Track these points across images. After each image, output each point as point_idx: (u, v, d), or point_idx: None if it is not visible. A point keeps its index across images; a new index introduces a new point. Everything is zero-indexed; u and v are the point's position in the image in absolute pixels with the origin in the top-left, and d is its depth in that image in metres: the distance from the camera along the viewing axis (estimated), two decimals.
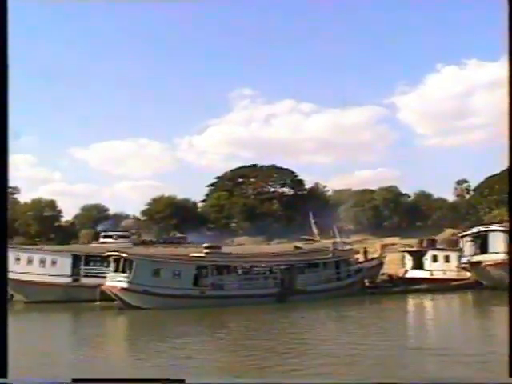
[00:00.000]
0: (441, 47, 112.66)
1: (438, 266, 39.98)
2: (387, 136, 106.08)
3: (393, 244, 55.03)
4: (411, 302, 35.60)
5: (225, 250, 37.97)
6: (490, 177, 77.61)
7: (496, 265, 35.20)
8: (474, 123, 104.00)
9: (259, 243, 64.87)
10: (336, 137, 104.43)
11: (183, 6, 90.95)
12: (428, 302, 35.36)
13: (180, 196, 79.09)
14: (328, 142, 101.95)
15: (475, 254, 36.78)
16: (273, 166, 79.87)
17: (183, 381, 4.33)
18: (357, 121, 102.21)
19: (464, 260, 37.46)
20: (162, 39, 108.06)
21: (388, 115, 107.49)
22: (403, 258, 42.65)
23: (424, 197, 77.96)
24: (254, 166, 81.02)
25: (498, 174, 77.38)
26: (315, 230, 42.01)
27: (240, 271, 36.30)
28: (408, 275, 40.52)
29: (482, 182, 78.74)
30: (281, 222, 74.39)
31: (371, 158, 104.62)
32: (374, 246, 55.59)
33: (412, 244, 45.44)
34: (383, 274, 42.39)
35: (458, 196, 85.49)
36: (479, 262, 36.12)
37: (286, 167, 79.51)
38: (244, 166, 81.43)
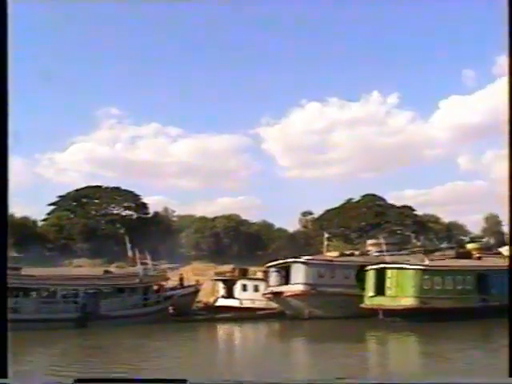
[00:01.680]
0: (305, 84, 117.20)
1: (247, 295, 40.64)
2: (251, 165, 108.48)
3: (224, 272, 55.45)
4: (216, 331, 35.81)
5: (27, 271, 36.55)
6: (330, 210, 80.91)
7: (295, 295, 36.46)
8: (333, 158, 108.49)
9: (98, 265, 63.48)
10: (201, 162, 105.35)
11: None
12: (231, 331, 35.80)
13: (20, 214, 75.84)
14: (193, 166, 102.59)
15: (278, 285, 37.81)
16: (117, 188, 78.58)
17: (185, 381, 4.25)
18: (223, 148, 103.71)
19: (268, 290, 38.42)
20: (27, 49, 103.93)
21: (253, 145, 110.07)
22: (215, 286, 43.06)
23: (266, 226, 79.75)
24: (99, 186, 79.38)
25: (337, 208, 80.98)
26: (131, 255, 41.59)
27: (44, 294, 35.18)
28: (218, 303, 40.89)
29: (323, 214, 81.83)
30: (122, 245, 73.17)
31: (234, 186, 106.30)
32: (208, 273, 55.86)
33: (226, 271, 45.95)
34: (199, 301, 42.65)
35: (303, 227, 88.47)
36: (281, 293, 37.13)
37: (130, 189, 78.51)
38: (88, 187, 79.51)
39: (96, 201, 79.48)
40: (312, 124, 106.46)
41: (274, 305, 39.07)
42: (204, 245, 74.71)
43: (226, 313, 38.75)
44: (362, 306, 33.45)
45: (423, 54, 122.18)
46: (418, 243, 77.03)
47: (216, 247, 74.50)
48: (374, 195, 79.40)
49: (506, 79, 6.42)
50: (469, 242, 47.86)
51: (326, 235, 43.98)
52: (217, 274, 45.29)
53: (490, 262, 36.43)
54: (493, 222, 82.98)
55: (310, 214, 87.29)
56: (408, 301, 32.14)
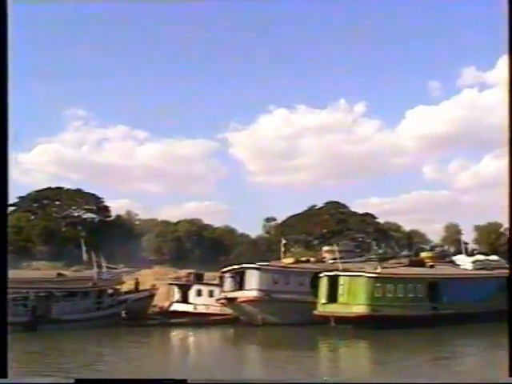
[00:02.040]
0: (273, 90, 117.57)
1: (201, 300, 40.35)
2: (219, 170, 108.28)
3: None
4: (166, 336, 35.39)
5: None
6: (293, 216, 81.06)
7: (249, 301, 36.34)
8: (300, 164, 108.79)
9: (58, 269, 62.57)
10: (168, 166, 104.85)
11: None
12: (180, 337, 35.55)
13: None
14: (160, 171, 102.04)
15: (232, 290, 37.63)
16: (79, 191, 77.67)
17: (185, 380, 4.38)
18: (190, 152, 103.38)
19: (222, 295, 38.23)
20: None
21: (220, 150, 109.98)
22: (170, 290, 42.69)
23: (228, 231, 79.57)
24: (60, 188, 78.37)
25: (299, 214, 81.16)
26: (86, 258, 41.20)
27: None
28: (172, 308, 40.54)
29: (285, 220, 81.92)
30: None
31: (201, 191, 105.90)
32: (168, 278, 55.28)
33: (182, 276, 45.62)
34: (155, 306, 42.25)
35: (267, 233, 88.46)
36: (234, 298, 36.96)
37: (92, 192, 77.72)
38: (49, 188, 78.47)
39: (57, 203, 78.45)
40: (280, 130, 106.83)
41: (228, 310, 38.86)
42: (165, 249, 74.22)
43: (179, 318, 38.48)
44: (315, 312, 33.46)
45: (390, 64, 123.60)
46: (380, 251, 77.65)
47: (178, 252, 74.04)
48: (336, 202, 79.81)
49: (505, 79, 6.48)
50: (426, 251, 48.30)
51: (284, 241, 43.88)
52: (172, 278, 44.91)
53: (442, 270, 36.85)
54: (453, 230, 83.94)
55: (274, 219, 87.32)
56: (359, 308, 32.23)
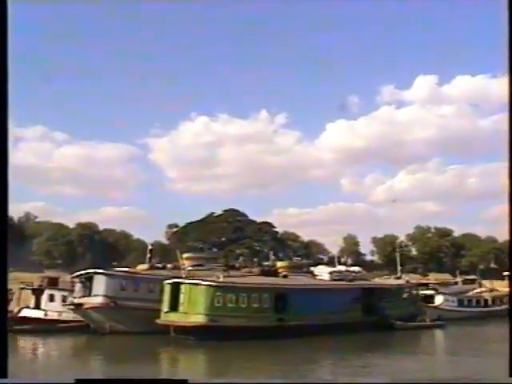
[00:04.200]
0: (196, 97, 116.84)
1: (54, 306, 38.74)
2: (138, 175, 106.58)
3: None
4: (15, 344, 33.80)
5: None
6: (191, 223, 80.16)
7: (94, 308, 35.05)
8: (220, 173, 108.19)
9: None
10: (87, 170, 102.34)
11: None
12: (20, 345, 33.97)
13: None
14: (78, 174, 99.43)
15: (81, 296, 36.26)
16: None
17: (186, 381, 4.39)
18: (110, 156, 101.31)
19: (69, 301, 36.78)
20: None
21: (141, 155, 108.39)
22: (22, 295, 40.69)
23: (124, 236, 78.05)
24: None
25: (198, 221, 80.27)
26: None
27: None
28: (22, 314, 38.72)
29: (183, 227, 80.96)
30: None
31: (120, 195, 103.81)
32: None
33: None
34: (11, 311, 40.34)
35: (168, 239, 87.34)
36: (82, 304, 35.61)
37: None
38: None
39: None
40: (200, 138, 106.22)
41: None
42: (56, 253, 72.10)
43: (29, 324, 36.77)
44: (158, 321, 32.39)
45: (311, 77, 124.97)
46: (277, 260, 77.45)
47: (69, 255, 72.05)
48: (235, 210, 79.34)
49: (505, 79, 6.82)
50: (282, 260, 47.77)
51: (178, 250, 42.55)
52: (26, 283, 42.86)
53: (294, 280, 36.39)
54: (351, 242, 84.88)
55: (176, 226, 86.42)
56: (198, 318, 31.20)
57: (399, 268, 49.38)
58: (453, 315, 44.83)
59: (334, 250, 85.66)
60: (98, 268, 37.53)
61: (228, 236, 76.83)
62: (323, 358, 28.14)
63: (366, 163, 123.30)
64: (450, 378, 14.29)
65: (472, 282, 68.34)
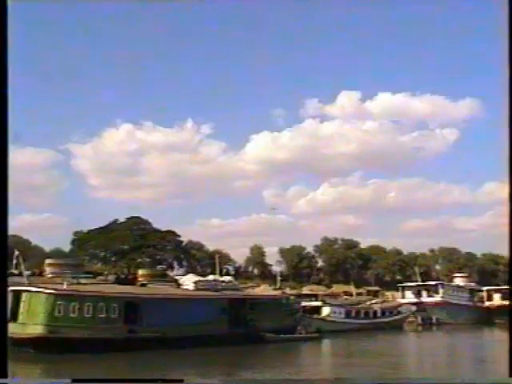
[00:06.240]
0: (121, 104, 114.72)
1: None
2: (60, 182, 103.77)
3: None
4: None
5: None
6: (92, 230, 78.08)
7: None
8: (143, 181, 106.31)
9: None
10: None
11: None
12: None
13: None
14: None
15: None
16: None
17: (182, 381, 4.62)
18: (29, 162, 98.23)
19: None
20: None
21: (63, 162, 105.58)
22: None
23: (20, 242, 75.52)
24: None
25: (100, 228, 78.21)
26: None
27: None
28: None
29: (85, 234, 78.84)
30: None
31: (40, 202, 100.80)
32: None
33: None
34: None
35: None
36: None
37: None
38: None
39: None
40: (124, 145, 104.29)
41: None
42: None
43: None
44: None
45: (237, 87, 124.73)
46: (181, 269, 76.43)
47: None
48: (139, 218, 77.67)
49: (505, 79, 6.80)
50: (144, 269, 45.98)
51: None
52: None
53: (151, 290, 35.06)
54: (257, 252, 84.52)
55: (82, 233, 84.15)
56: (35, 329, 29.17)
57: (279, 279, 48.94)
58: (339, 327, 44.51)
59: (241, 261, 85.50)
60: None
61: (130, 244, 75.10)
62: (179, 371, 26.75)
63: (288, 175, 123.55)
64: (448, 378, 13.59)
65: (375, 293, 68.95)
